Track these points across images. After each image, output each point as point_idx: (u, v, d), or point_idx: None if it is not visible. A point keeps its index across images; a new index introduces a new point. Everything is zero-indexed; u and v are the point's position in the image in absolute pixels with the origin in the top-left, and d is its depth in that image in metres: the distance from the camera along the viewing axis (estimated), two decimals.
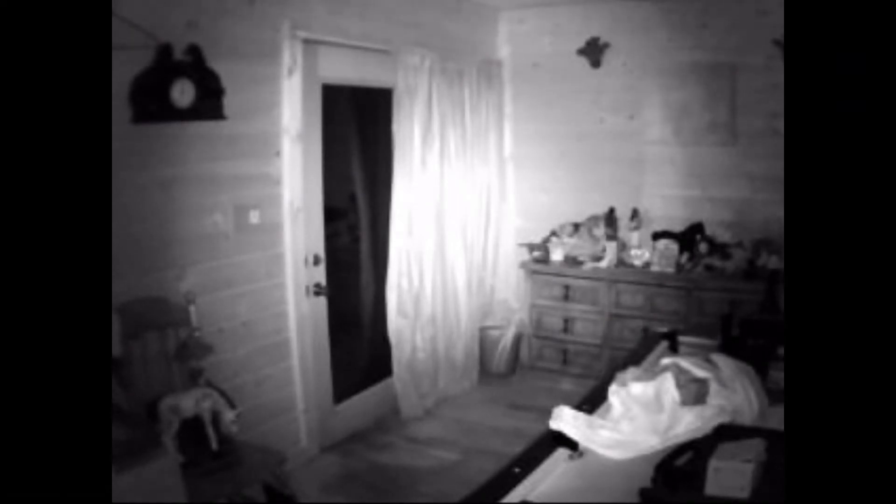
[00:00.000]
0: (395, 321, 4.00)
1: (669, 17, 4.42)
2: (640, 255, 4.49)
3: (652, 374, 2.09)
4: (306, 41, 3.32)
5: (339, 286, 3.87)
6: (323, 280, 3.62)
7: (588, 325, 4.59)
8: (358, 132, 4.38)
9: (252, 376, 3.22)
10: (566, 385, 4.50)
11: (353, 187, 4.44)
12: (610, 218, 4.64)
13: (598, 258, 4.57)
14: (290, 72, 3.25)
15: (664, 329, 2.92)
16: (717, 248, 4.28)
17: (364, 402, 4.09)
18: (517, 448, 1.90)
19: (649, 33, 4.51)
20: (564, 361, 4.71)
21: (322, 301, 3.66)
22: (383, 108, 3.95)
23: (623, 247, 4.60)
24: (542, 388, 4.55)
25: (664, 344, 2.69)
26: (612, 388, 2.08)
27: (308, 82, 3.39)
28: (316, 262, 3.57)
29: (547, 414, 1.97)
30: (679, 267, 4.31)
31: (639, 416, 1.93)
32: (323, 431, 3.69)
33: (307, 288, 3.51)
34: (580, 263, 4.61)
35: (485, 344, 4.81)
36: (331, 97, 3.64)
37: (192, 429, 2.48)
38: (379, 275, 4.14)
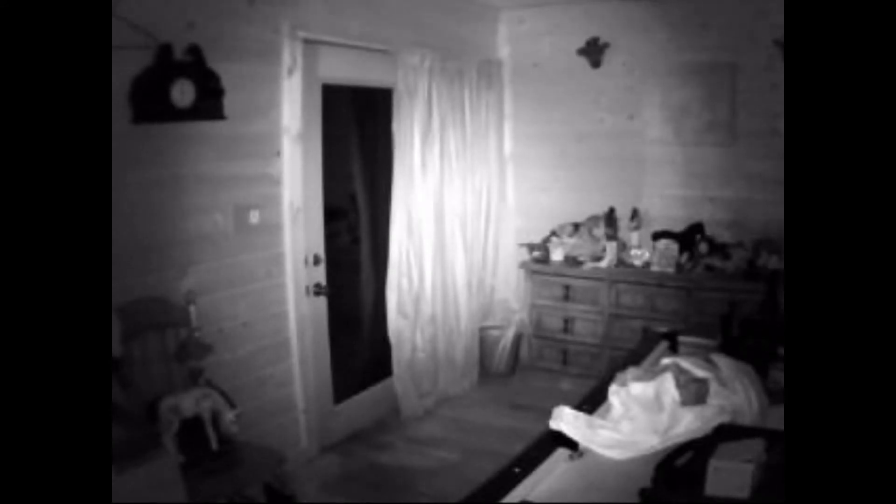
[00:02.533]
0: (395, 321, 4.00)
1: (669, 17, 4.42)
2: (640, 255, 4.49)
3: (652, 374, 2.09)
4: (307, 41, 3.32)
5: (338, 286, 3.87)
6: (323, 280, 3.62)
7: (588, 325, 4.59)
8: (358, 132, 4.38)
9: (252, 376, 3.22)
10: (566, 385, 4.50)
11: (353, 187, 4.44)
12: (610, 218, 4.64)
13: (598, 258, 4.57)
14: (290, 72, 3.25)
15: (664, 329, 2.92)
16: (717, 248, 4.28)
17: (364, 402, 4.09)
18: (517, 448, 1.90)
19: (649, 33, 4.51)
20: (564, 361, 4.70)
21: (322, 301, 3.66)
22: (383, 108, 3.95)
23: (623, 247, 4.60)
24: (542, 388, 4.55)
25: (664, 344, 2.69)
26: (612, 388, 2.08)
27: (308, 82, 3.39)
28: (316, 262, 3.58)
29: (547, 414, 1.97)
30: (679, 267, 4.31)
31: (639, 416, 1.93)
32: (323, 431, 3.69)
33: (307, 288, 3.51)
34: (580, 263, 4.61)
35: (485, 344, 4.81)
36: (331, 97, 3.64)
37: (192, 429, 2.48)
38: (379, 275, 4.14)
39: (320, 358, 3.68)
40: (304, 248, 3.47)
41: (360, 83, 3.94)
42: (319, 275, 3.61)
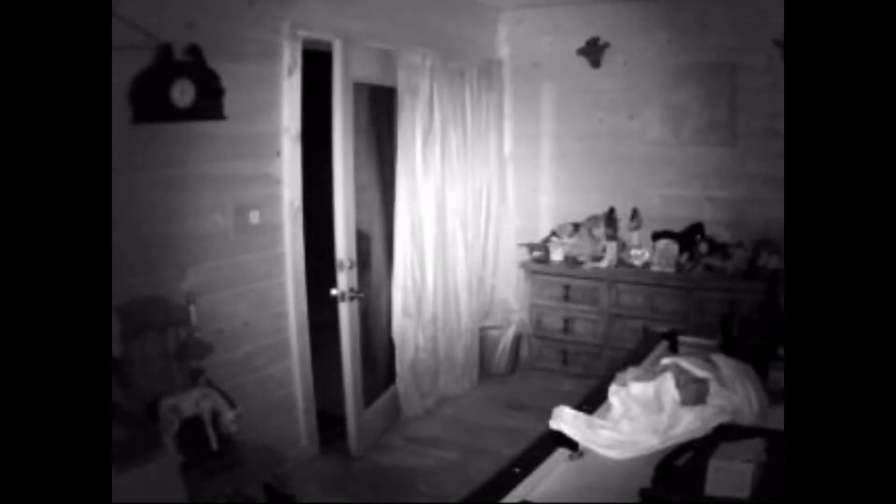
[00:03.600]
0: (401, 321, 4.00)
1: (669, 17, 4.42)
2: (640, 255, 4.49)
3: (652, 374, 2.09)
4: (345, 40, 3.32)
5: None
6: (354, 284, 3.56)
7: (588, 325, 4.59)
8: (367, 131, 4.36)
9: (252, 376, 3.22)
10: (566, 385, 4.50)
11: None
12: (610, 218, 4.64)
13: (598, 258, 4.57)
14: (290, 72, 3.25)
15: (664, 329, 2.92)
16: (717, 248, 4.28)
17: (384, 404, 4.07)
18: (517, 448, 1.90)
19: (649, 33, 4.51)
20: (564, 361, 4.71)
21: (355, 306, 3.59)
22: (387, 107, 3.94)
23: (623, 247, 4.60)
24: (542, 388, 4.55)
25: (664, 344, 2.69)
26: (612, 388, 2.08)
27: (343, 81, 3.36)
28: (350, 266, 3.52)
29: (547, 414, 1.97)
30: (679, 267, 4.31)
31: (639, 416, 1.93)
32: (360, 438, 3.67)
33: (342, 293, 3.47)
34: (580, 263, 4.61)
35: (485, 344, 4.81)
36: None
37: (192, 429, 2.48)
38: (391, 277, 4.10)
39: (354, 363, 3.60)
40: (343, 252, 3.43)
41: (377, 82, 3.92)
42: (350, 279, 3.55)
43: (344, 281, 3.48)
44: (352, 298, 3.54)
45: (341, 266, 3.47)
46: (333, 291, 3.48)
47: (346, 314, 3.53)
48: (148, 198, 2.71)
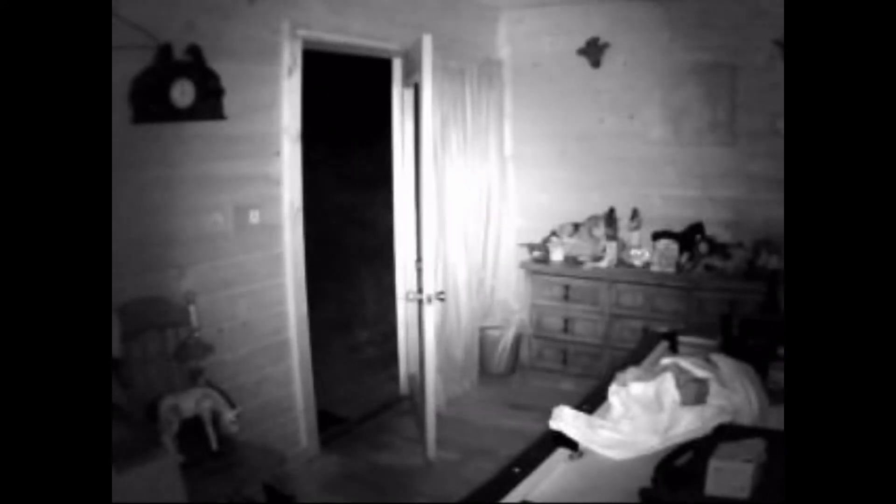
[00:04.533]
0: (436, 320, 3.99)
1: (669, 17, 4.41)
2: (640, 255, 4.49)
3: (652, 374, 2.09)
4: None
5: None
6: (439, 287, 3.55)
7: (588, 325, 4.59)
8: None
9: (252, 376, 3.22)
10: (566, 385, 4.50)
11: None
12: (610, 218, 4.64)
13: (598, 258, 4.57)
14: (290, 72, 3.25)
15: (664, 329, 2.92)
16: (717, 248, 4.28)
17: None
18: (517, 448, 1.90)
19: (649, 33, 4.50)
20: (564, 361, 4.70)
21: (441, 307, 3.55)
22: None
23: (623, 247, 4.59)
24: (542, 388, 4.55)
25: (664, 344, 2.69)
26: (612, 388, 2.08)
27: (431, 82, 3.37)
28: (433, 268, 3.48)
29: (547, 414, 1.97)
30: (679, 267, 4.31)
31: (639, 416, 1.93)
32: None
33: (428, 297, 3.43)
34: (580, 263, 4.61)
35: (485, 344, 4.81)
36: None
37: (192, 429, 2.48)
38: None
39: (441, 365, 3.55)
40: (428, 257, 3.42)
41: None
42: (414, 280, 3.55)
43: (431, 283, 3.43)
44: (439, 299, 3.49)
45: (418, 270, 3.41)
46: (411, 295, 3.41)
47: (431, 318, 3.44)
48: (148, 198, 2.72)
